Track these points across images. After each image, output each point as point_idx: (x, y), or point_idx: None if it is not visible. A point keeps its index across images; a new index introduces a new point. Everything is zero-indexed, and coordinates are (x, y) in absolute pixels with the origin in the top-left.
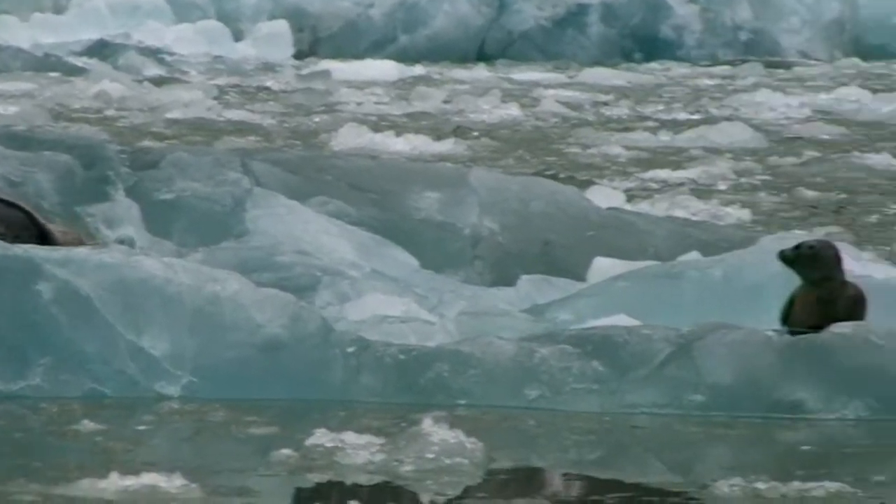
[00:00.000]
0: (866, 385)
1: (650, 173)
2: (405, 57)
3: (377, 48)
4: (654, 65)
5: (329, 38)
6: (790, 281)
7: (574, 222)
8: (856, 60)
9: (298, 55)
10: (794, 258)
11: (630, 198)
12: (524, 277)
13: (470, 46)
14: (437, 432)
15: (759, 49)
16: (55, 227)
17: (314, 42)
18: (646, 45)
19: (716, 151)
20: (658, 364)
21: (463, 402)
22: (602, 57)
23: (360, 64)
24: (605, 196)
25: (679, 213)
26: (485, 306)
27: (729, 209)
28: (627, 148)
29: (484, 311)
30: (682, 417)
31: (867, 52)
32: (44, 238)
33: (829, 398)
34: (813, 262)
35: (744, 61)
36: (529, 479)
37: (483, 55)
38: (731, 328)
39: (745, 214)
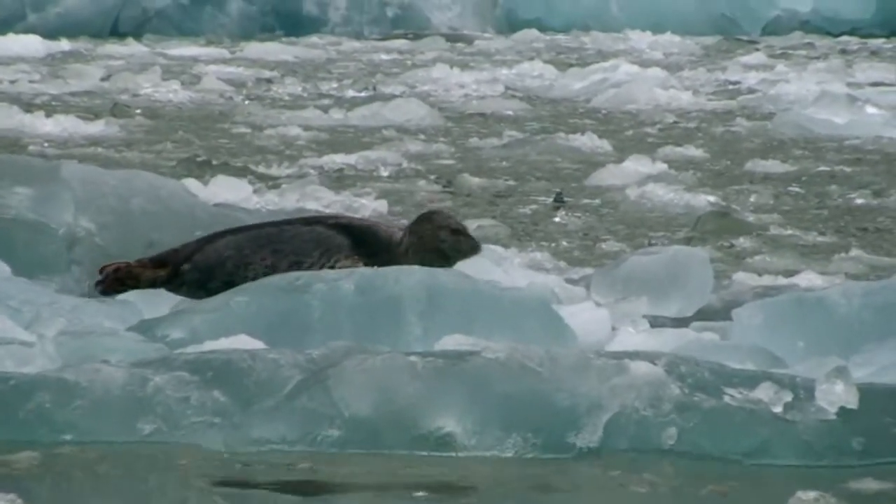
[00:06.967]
0: (525, 417)
1: (325, 158)
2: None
3: (5, 26)
4: (314, 38)
5: None
6: (431, 292)
7: (180, 220)
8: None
9: None
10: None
11: (273, 187)
12: None
13: (104, 24)
14: None
15: (407, 25)
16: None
17: None
18: (288, 21)
19: (403, 130)
20: (287, 394)
21: (68, 437)
22: (243, 34)
23: (3, 39)
24: (231, 187)
25: (311, 205)
26: (88, 324)
27: (364, 200)
28: (306, 129)
29: (88, 331)
30: (315, 455)
31: (519, 27)
32: None
33: (482, 432)
34: None
35: (421, 37)
36: None
37: (117, 33)
38: (369, 352)
39: (381, 206)
